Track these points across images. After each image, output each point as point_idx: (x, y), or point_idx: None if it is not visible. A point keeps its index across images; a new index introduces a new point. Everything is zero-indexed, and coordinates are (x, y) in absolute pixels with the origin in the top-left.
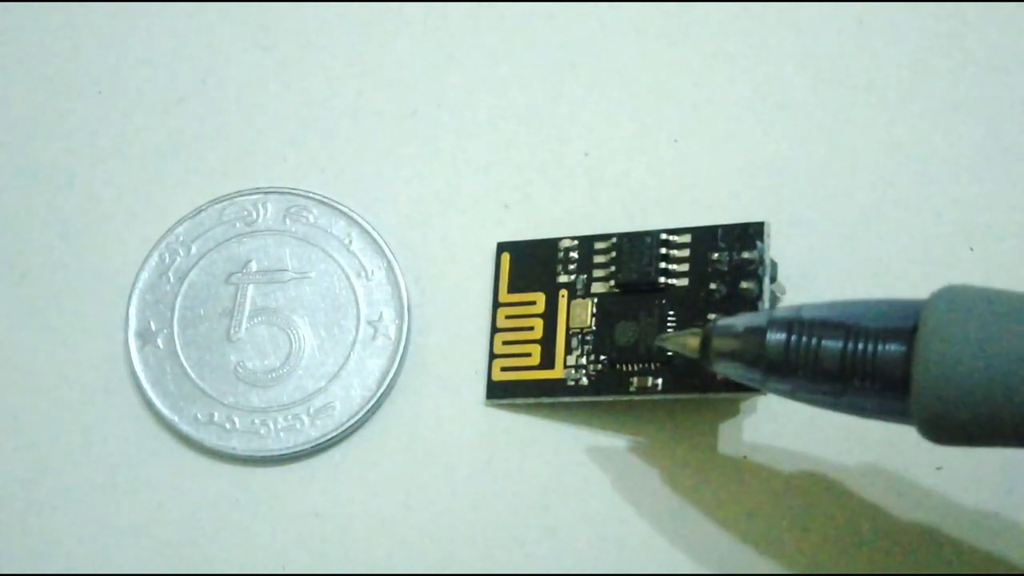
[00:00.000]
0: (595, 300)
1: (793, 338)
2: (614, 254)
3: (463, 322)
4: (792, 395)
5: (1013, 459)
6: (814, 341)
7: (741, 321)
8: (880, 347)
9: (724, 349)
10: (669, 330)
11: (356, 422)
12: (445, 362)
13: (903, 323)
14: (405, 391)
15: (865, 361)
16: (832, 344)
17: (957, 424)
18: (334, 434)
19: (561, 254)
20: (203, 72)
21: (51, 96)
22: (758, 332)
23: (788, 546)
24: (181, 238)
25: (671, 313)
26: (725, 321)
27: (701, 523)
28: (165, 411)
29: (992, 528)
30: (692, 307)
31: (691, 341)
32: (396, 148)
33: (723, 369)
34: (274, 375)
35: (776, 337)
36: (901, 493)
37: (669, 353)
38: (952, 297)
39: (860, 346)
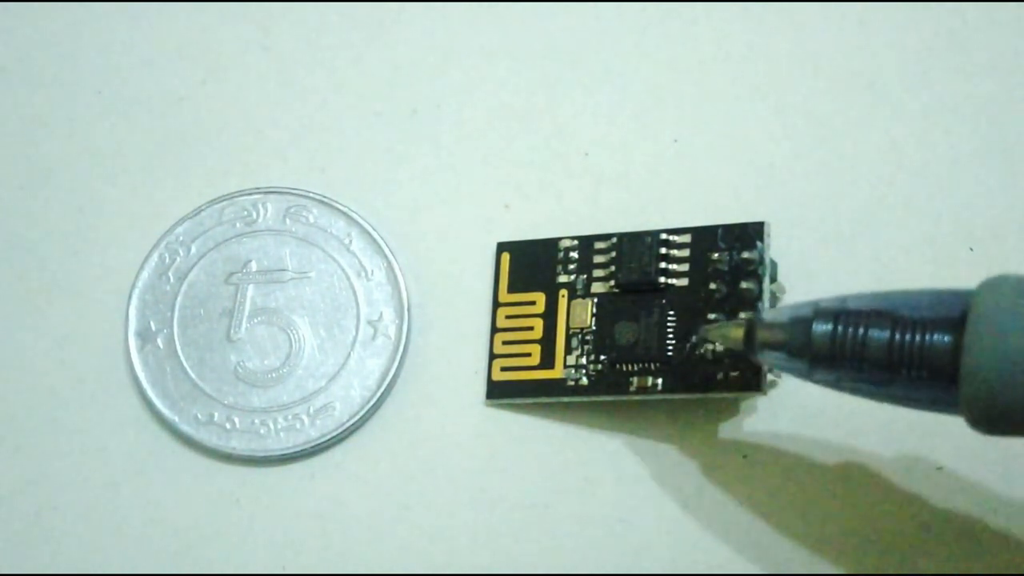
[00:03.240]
0: (595, 300)
1: (839, 328)
2: (614, 254)
3: (463, 322)
4: (837, 385)
5: (1013, 458)
6: (860, 331)
7: (786, 312)
8: (928, 337)
9: (769, 340)
10: (669, 331)
11: (356, 422)
12: (445, 362)
13: (951, 312)
14: (405, 391)
15: (912, 351)
16: (879, 334)
17: (1005, 414)
18: (334, 434)
19: (561, 254)
20: (203, 72)
21: (51, 96)
22: (804, 322)
23: (788, 546)
24: (181, 238)
25: (671, 313)
26: (769, 312)
27: (701, 523)
28: (165, 411)
29: (992, 528)
30: (692, 307)
31: (735, 332)
32: (396, 148)
33: (768, 360)
34: (274, 375)
35: (822, 327)
36: (901, 492)
37: (670, 352)
38: (1000, 286)
39: (907, 336)
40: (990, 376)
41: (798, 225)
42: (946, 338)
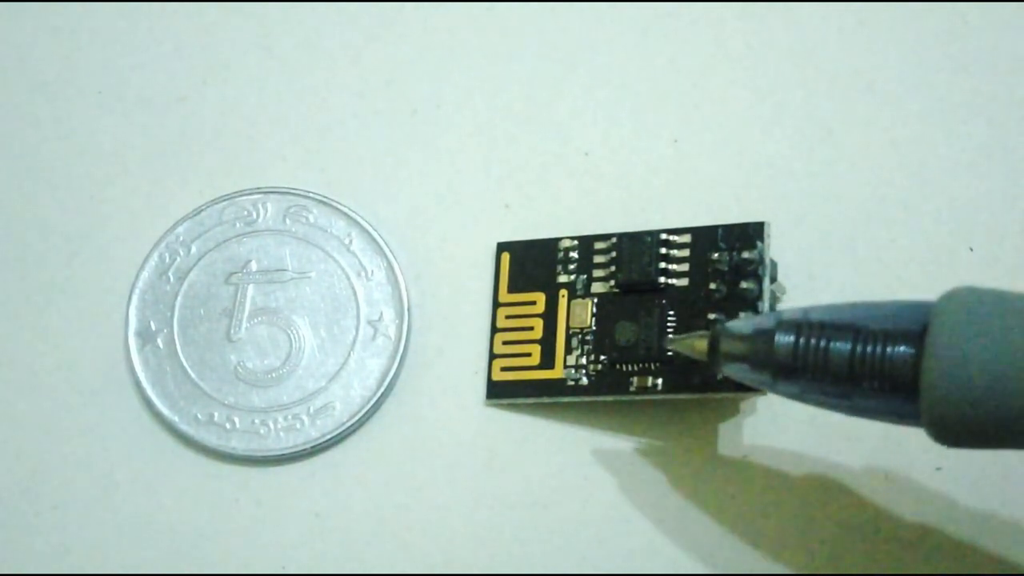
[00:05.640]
0: (595, 300)
1: (802, 340)
2: (614, 254)
3: (463, 322)
4: (801, 397)
5: (1013, 459)
6: (823, 343)
7: (749, 323)
8: (889, 349)
9: (732, 352)
10: (669, 330)
11: (356, 422)
12: (445, 362)
13: (912, 325)
14: (405, 391)
15: (874, 363)
16: (841, 346)
17: (966, 426)
18: (334, 434)
19: (561, 254)
20: (203, 72)
21: (51, 96)
22: (767, 334)
23: (788, 546)
24: (181, 238)
25: (671, 313)
26: (733, 323)
27: (701, 523)
28: (165, 411)
29: (992, 528)
30: (692, 307)
31: (699, 344)
32: (396, 148)
33: (731, 371)
34: (274, 375)
35: (785, 339)
36: (901, 493)
37: (669, 352)
38: (961, 299)
39: (869, 348)
40: (950, 389)
41: (798, 225)
42: (907, 350)
